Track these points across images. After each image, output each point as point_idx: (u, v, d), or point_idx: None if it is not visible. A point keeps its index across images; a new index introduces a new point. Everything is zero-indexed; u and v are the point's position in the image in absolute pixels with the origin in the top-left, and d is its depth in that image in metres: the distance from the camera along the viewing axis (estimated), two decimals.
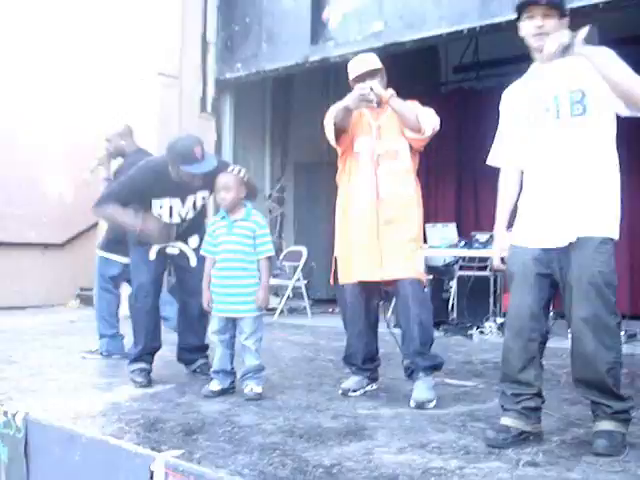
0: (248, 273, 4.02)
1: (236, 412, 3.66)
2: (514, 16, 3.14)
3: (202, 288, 4.07)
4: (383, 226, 3.94)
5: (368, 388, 4.18)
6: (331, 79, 9.99)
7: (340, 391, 4.08)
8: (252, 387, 3.96)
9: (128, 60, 8.47)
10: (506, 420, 3.10)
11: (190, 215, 4.44)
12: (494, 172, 3.38)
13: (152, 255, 4.42)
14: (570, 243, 2.97)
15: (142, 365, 4.39)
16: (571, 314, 2.98)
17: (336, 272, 4.14)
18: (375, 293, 4.15)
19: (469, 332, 6.80)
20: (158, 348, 4.50)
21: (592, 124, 2.99)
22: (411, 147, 4.02)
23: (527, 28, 3.07)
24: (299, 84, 10.24)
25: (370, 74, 4.07)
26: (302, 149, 10.34)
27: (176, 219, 4.40)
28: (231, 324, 4.05)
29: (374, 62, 4.17)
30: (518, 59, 3.21)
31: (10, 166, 5.76)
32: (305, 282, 8.83)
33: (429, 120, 3.93)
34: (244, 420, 3.49)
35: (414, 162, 4.08)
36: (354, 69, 4.14)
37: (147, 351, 4.43)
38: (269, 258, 4.07)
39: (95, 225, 9.53)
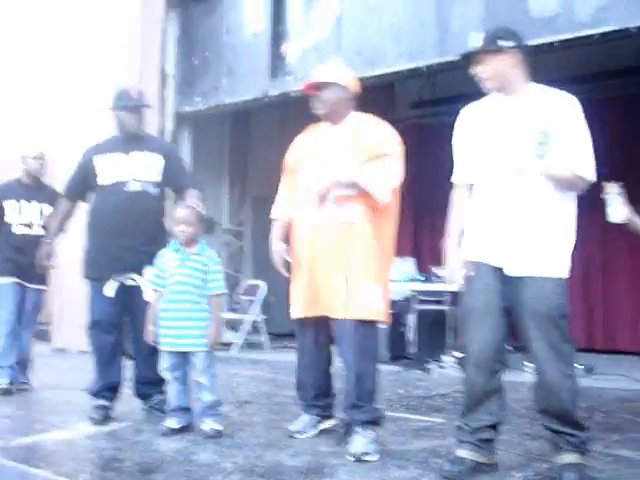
0: (199, 307, 3.93)
1: (194, 450, 3.58)
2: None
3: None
4: (319, 256, 3.60)
5: (321, 427, 3.87)
6: (290, 113, 10.01)
7: (289, 434, 3.81)
8: (211, 425, 3.88)
9: (86, 91, 8.39)
10: (462, 452, 3.09)
11: (138, 172, 4.33)
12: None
13: (110, 291, 4.30)
14: (522, 277, 3.00)
15: (100, 402, 4.30)
16: (531, 346, 2.99)
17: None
18: (323, 328, 3.78)
19: (428, 366, 6.79)
20: (118, 384, 4.41)
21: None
22: None
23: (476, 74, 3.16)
24: (258, 118, 10.27)
25: (321, 88, 3.52)
26: (261, 183, 10.31)
27: (124, 176, 4.31)
28: (182, 360, 3.96)
29: (329, 73, 3.57)
30: (475, 95, 3.25)
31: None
32: (264, 317, 8.75)
33: (387, 189, 3.56)
34: (202, 458, 3.42)
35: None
36: (308, 80, 3.63)
37: (106, 387, 4.34)
38: (220, 295, 4.02)
39: None
